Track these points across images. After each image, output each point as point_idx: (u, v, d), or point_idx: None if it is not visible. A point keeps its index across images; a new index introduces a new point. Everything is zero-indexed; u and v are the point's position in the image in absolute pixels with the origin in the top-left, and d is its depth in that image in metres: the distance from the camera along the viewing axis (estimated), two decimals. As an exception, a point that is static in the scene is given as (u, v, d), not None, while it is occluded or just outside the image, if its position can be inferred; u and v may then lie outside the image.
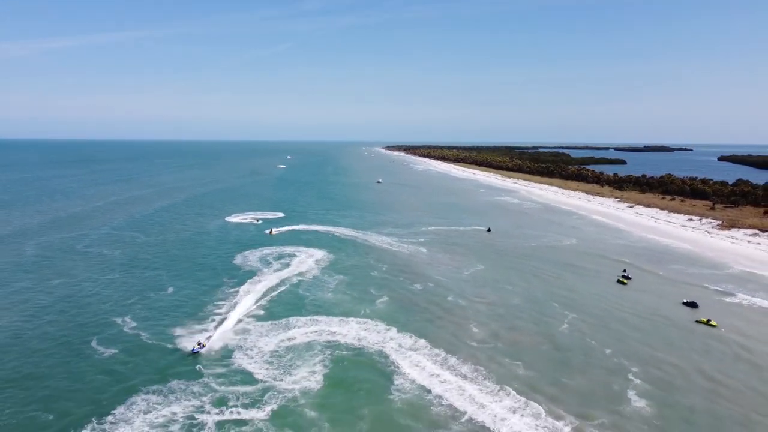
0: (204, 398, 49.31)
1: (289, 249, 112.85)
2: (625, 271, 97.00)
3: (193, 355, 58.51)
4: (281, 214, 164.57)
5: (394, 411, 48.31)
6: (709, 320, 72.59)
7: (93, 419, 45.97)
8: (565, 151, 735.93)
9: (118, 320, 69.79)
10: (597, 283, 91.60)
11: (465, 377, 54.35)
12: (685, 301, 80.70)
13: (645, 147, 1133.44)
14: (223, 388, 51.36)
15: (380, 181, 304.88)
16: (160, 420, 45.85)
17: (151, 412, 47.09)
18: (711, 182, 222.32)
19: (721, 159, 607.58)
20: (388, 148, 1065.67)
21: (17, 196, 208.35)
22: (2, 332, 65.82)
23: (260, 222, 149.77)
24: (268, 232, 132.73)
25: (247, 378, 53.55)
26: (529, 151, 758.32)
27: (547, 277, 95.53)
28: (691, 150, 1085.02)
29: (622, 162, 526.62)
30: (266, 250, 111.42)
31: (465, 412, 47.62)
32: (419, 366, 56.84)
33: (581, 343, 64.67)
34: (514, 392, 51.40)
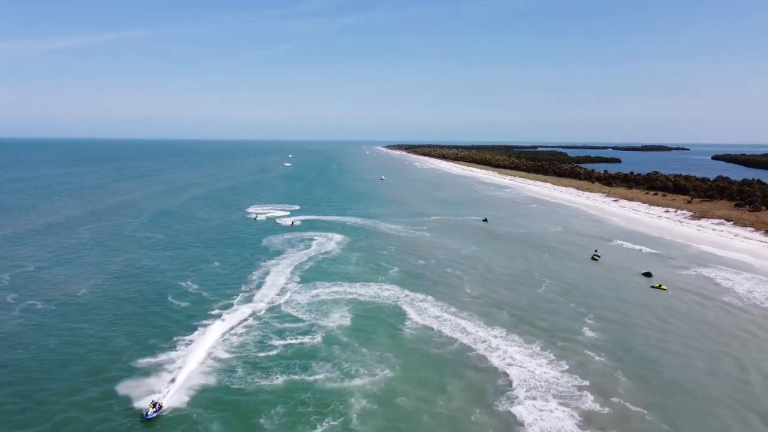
0: (267, 330, 66.41)
1: (309, 234, 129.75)
2: (596, 250, 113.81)
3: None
4: (297, 207, 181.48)
5: (406, 339, 65.28)
6: (660, 285, 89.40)
7: (180, 344, 62.50)
8: (564, 151, 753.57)
9: (182, 283, 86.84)
10: (573, 260, 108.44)
11: (461, 319, 71.37)
12: (643, 272, 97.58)
13: (643, 146, 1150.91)
14: (279, 325, 68.35)
15: (383, 178, 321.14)
16: (236, 344, 62.67)
17: (227, 340, 63.87)
18: (693, 178, 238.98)
19: (715, 158, 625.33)
20: (389, 147, 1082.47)
21: (53, 190, 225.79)
22: (94, 291, 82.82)
23: (285, 214, 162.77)
24: (289, 222, 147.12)
25: (296, 319, 70.53)
26: (528, 150, 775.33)
27: (532, 255, 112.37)
28: (688, 150, 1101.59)
29: (617, 161, 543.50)
30: (289, 235, 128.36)
31: (457, 339, 64.62)
32: (425, 312, 73.88)
33: (552, 300, 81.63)
34: (498, 328, 68.36)
